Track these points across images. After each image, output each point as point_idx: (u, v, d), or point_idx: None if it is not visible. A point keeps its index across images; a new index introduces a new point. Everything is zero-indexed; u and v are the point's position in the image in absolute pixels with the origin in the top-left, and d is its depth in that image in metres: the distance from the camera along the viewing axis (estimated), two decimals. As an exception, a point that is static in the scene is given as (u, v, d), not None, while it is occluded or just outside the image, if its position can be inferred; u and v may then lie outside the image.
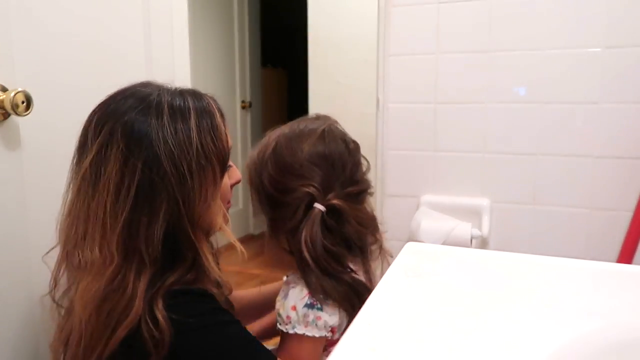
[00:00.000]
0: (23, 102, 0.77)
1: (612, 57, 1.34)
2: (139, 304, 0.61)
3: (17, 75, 0.79)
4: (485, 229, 1.46)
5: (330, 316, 0.77)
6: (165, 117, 0.65)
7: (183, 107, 0.67)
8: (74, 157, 0.68)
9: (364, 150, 0.90)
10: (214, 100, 0.73)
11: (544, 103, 1.42)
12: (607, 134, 1.37)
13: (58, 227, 0.68)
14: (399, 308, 0.51)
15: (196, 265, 0.68)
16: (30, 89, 0.78)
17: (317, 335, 0.76)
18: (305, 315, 0.76)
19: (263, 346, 0.70)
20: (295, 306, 0.77)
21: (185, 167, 0.64)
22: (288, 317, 0.77)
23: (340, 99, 2.29)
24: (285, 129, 0.85)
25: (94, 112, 0.68)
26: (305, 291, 0.77)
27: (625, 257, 1.31)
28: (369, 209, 0.87)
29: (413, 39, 1.52)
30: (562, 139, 1.42)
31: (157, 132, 0.64)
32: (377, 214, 1.62)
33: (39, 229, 0.80)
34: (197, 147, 0.66)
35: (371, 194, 0.88)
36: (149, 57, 1.09)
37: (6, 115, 0.77)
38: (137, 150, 0.63)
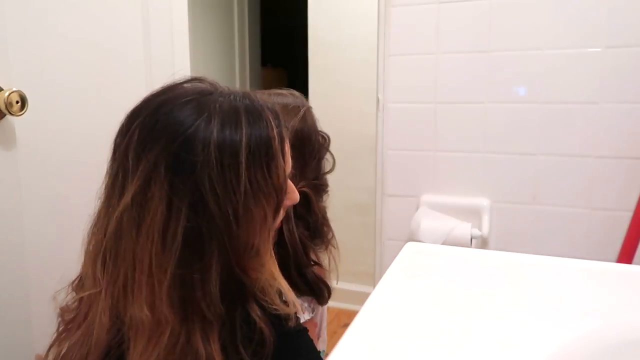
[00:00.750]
0: (17, 102, 0.77)
1: (612, 57, 1.34)
2: None
3: (12, 74, 0.79)
4: (485, 229, 1.46)
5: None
6: (212, 148, 0.54)
7: (234, 134, 0.55)
8: (114, 153, 0.58)
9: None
10: (275, 115, 0.61)
11: (544, 103, 1.42)
12: (607, 134, 1.37)
13: (87, 250, 0.60)
14: (399, 308, 0.51)
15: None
16: (25, 89, 0.78)
17: (307, 318, 0.79)
18: None
19: None
20: None
21: (230, 213, 0.54)
22: None
23: (340, 98, 2.30)
24: (262, 95, 0.76)
25: (138, 117, 0.57)
26: None
27: (625, 257, 1.31)
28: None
29: (413, 39, 1.52)
30: (562, 139, 1.41)
31: (204, 172, 0.53)
32: (377, 213, 1.63)
33: (34, 229, 0.80)
34: (245, 186, 0.55)
35: (327, 195, 0.88)
36: (148, 56, 1.09)
37: (1, 115, 0.77)
38: (182, 189, 0.53)
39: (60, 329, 0.67)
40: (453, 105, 1.50)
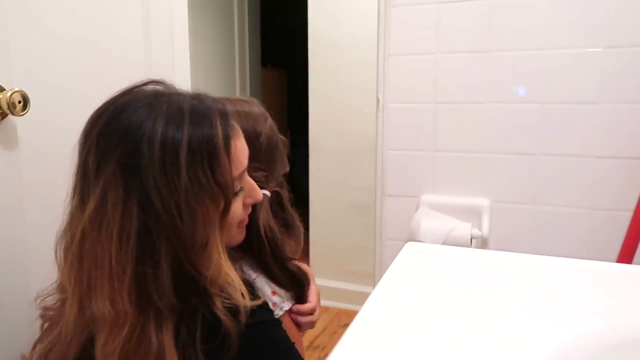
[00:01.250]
0: (20, 102, 0.77)
1: (612, 57, 1.34)
2: (171, 354, 0.58)
3: (14, 74, 0.79)
4: (485, 229, 1.46)
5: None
6: (156, 147, 0.57)
7: (176, 133, 0.58)
8: (79, 157, 0.61)
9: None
10: (224, 116, 0.63)
11: (544, 103, 1.42)
12: (607, 134, 1.37)
13: (59, 252, 0.63)
14: (398, 308, 0.51)
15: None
16: (27, 89, 0.78)
17: (287, 308, 0.81)
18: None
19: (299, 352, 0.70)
20: (274, 291, 0.79)
21: (174, 209, 0.57)
22: (274, 303, 0.79)
23: (340, 98, 2.30)
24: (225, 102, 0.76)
25: (97, 126, 0.60)
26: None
27: (625, 257, 1.31)
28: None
29: (413, 39, 1.52)
30: (562, 139, 1.41)
31: (148, 165, 0.57)
32: (377, 213, 1.63)
33: (36, 228, 0.80)
34: (185, 185, 0.58)
35: (290, 196, 0.92)
36: (148, 56, 1.09)
37: (3, 115, 0.77)
38: (133, 190, 0.57)
39: (44, 329, 0.70)
40: (453, 105, 1.50)
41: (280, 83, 3.85)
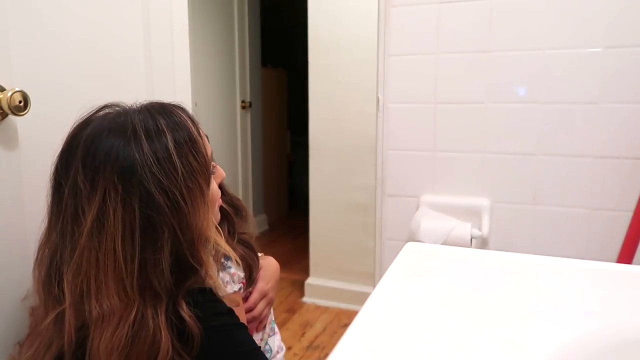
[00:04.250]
0: (20, 102, 0.77)
1: (612, 57, 1.34)
2: (165, 337, 0.62)
3: (14, 74, 0.79)
4: (485, 229, 1.46)
5: (237, 269, 0.85)
6: (145, 147, 0.64)
7: (158, 131, 0.66)
8: (54, 197, 0.67)
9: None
10: (182, 109, 0.72)
11: (544, 103, 1.42)
12: (607, 134, 1.37)
13: (38, 275, 0.68)
14: (398, 308, 0.51)
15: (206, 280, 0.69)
16: (28, 89, 0.78)
17: (236, 290, 0.84)
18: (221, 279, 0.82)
19: (264, 355, 0.73)
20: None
21: (177, 195, 0.65)
22: (227, 282, 0.83)
23: (340, 98, 2.30)
24: None
25: (75, 154, 0.65)
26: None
27: (625, 257, 1.31)
28: None
29: (413, 39, 1.52)
30: (562, 139, 1.41)
31: (143, 166, 0.63)
32: (377, 213, 1.63)
33: (36, 229, 0.80)
34: (181, 171, 0.65)
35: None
36: (148, 57, 1.09)
37: (4, 115, 0.77)
38: (131, 189, 0.63)
39: (30, 329, 0.72)
40: (453, 106, 1.50)
41: (280, 83, 3.85)
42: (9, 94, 0.75)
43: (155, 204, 0.63)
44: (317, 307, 2.35)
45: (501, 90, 1.45)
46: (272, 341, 0.95)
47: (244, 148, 3.18)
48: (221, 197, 0.84)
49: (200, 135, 0.71)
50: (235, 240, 0.87)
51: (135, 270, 0.63)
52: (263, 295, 0.91)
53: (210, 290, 0.69)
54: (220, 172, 0.81)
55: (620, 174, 1.37)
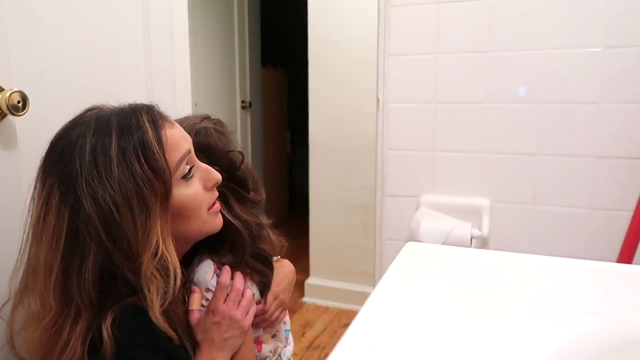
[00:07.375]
0: (19, 102, 0.77)
1: (612, 57, 1.34)
2: (74, 348, 0.61)
3: (13, 74, 0.79)
4: (485, 229, 1.46)
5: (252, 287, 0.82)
6: (86, 153, 0.62)
7: (104, 134, 0.63)
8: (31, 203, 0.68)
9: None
10: (150, 111, 0.67)
11: (544, 103, 1.42)
12: (607, 134, 1.37)
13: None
14: (399, 308, 0.51)
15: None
16: (26, 89, 0.78)
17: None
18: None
19: None
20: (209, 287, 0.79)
21: (111, 205, 0.61)
22: (207, 299, 0.79)
23: (340, 98, 2.30)
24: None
25: (44, 157, 0.67)
26: (212, 267, 0.79)
27: (625, 257, 1.31)
28: None
29: (413, 39, 1.52)
30: (562, 139, 1.41)
31: (80, 173, 0.62)
32: (377, 213, 1.63)
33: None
34: (119, 180, 0.61)
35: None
36: (148, 57, 1.09)
37: (3, 115, 0.77)
38: (66, 195, 0.62)
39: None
40: (453, 105, 1.50)
41: (280, 83, 3.85)
42: (8, 94, 0.75)
43: (85, 214, 0.61)
44: (317, 307, 2.35)
45: (501, 90, 1.45)
46: (284, 353, 0.91)
47: (244, 148, 3.18)
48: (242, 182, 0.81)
49: (159, 140, 0.65)
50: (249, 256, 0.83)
51: (56, 278, 0.62)
52: (274, 297, 0.86)
53: (141, 311, 0.62)
54: (211, 175, 0.73)
55: (620, 174, 1.37)
